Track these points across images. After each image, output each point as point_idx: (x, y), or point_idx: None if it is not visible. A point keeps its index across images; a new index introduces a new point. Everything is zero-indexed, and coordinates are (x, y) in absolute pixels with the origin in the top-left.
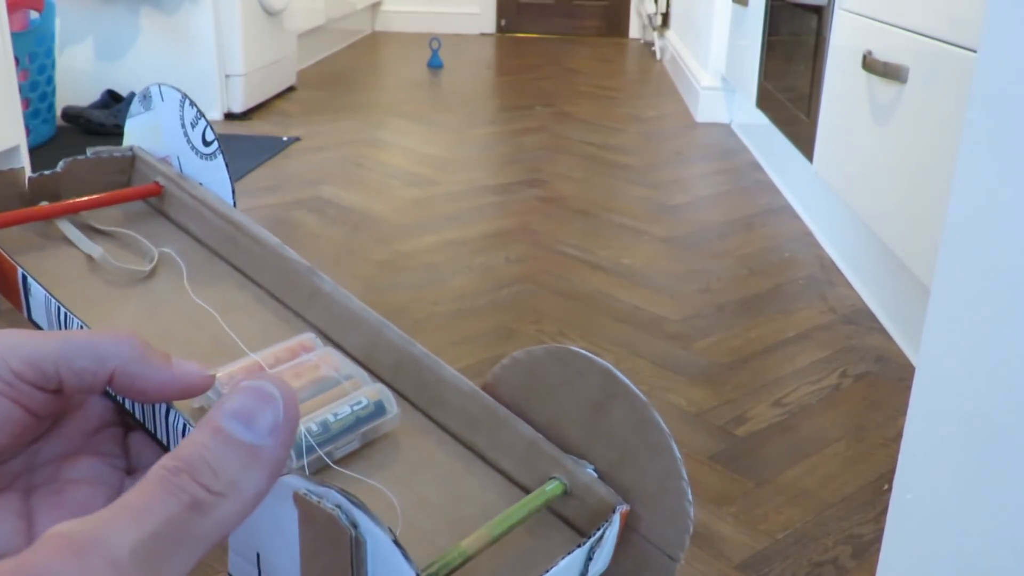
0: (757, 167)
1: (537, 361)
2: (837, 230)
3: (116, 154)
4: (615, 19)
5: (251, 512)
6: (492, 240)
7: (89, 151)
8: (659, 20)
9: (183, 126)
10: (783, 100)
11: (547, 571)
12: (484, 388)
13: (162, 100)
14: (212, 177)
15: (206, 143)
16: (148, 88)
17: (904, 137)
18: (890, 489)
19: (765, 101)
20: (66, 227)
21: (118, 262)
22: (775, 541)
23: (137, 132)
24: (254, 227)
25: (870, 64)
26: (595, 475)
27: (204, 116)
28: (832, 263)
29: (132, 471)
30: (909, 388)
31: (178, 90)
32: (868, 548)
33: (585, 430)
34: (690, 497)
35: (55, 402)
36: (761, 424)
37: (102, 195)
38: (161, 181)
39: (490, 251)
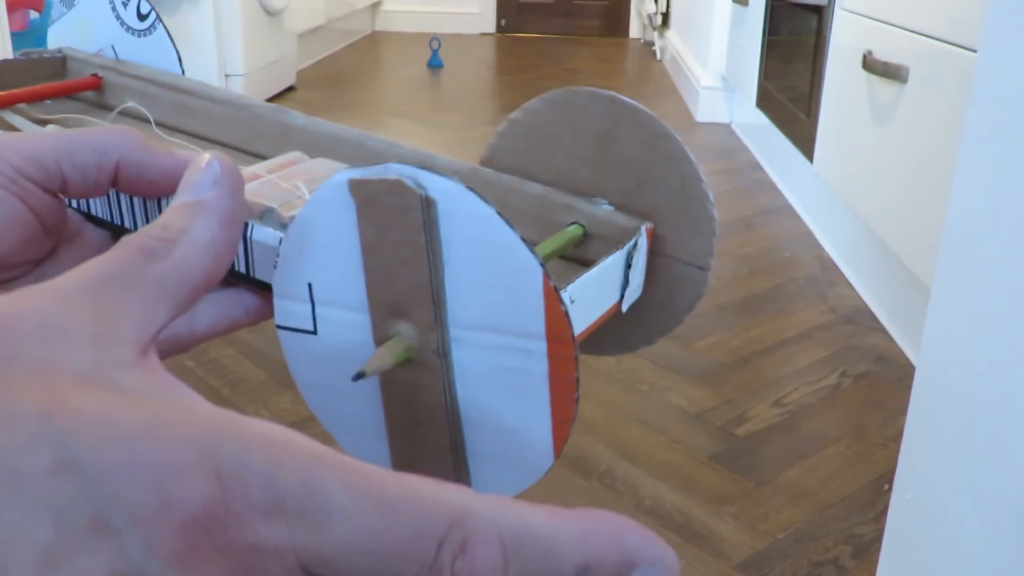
0: (757, 167)
1: (535, 115)
2: (837, 230)
3: (46, 55)
4: (615, 19)
5: (216, 263)
6: None
7: (17, 52)
8: (659, 20)
9: (114, 9)
10: (783, 100)
11: (594, 266)
12: (482, 164)
13: None
14: (154, 53)
15: (142, 17)
16: None
17: (904, 137)
18: (890, 489)
19: (765, 101)
20: (10, 116)
21: None
22: (775, 541)
23: (63, 35)
24: (208, 87)
25: (870, 64)
26: (612, 209)
27: None
28: (832, 263)
29: None
30: (909, 388)
31: None
32: (868, 548)
33: (595, 167)
34: (712, 199)
35: (59, 209)
36: (761, 424)
37: (40, 87)
38: (99, 72)
39: None
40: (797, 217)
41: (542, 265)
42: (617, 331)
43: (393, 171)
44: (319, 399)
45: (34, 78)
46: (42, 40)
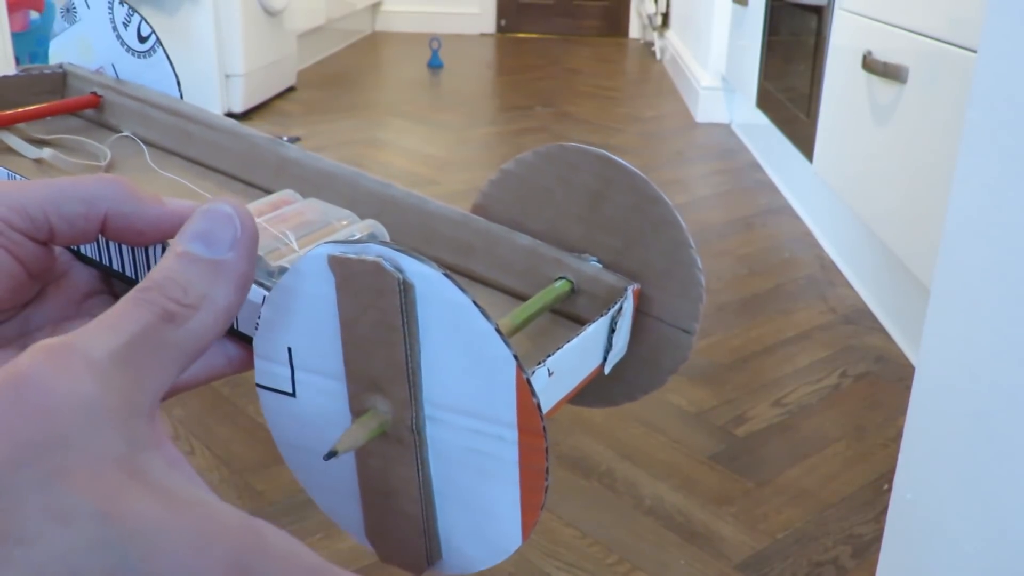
0: (757, 167)
1: (527, 167)
2: (837, 230)
3: (47, 71)
4: (615, 19)
5: (225, 325)
6: None
7: (18, 68)
8: (659, 20)
9: (115, 29)
10: (783, 100)
11: (576, 336)
12: (475, 211)
13: (88, 8)
14: (154, 75)
15: (142, 39)
16: (71, 0)
17: (904, 137)
18: (890, 489)
19: (765, 101)
20: (6, 137)
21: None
22: (775, 541)
23: (64, 50)
24: (206, 114)
25: (870, 64)
26: (600, 267)
27: (137, 11)
28: (832, 263)
29: None
30: (909, 388)
31: None
32: (868, 548)
33: (585, 224)
34: (700, 265)
35: (46, 257)
36: (761, 424)
37: (39, 107)
38: (98, 91)
39: None
40: (797, 217)
41: (516, 357)
42: (600, 387)
43: (372, 252)
44: (297, 458)
45: (34, 94)
46: (42, 40)
